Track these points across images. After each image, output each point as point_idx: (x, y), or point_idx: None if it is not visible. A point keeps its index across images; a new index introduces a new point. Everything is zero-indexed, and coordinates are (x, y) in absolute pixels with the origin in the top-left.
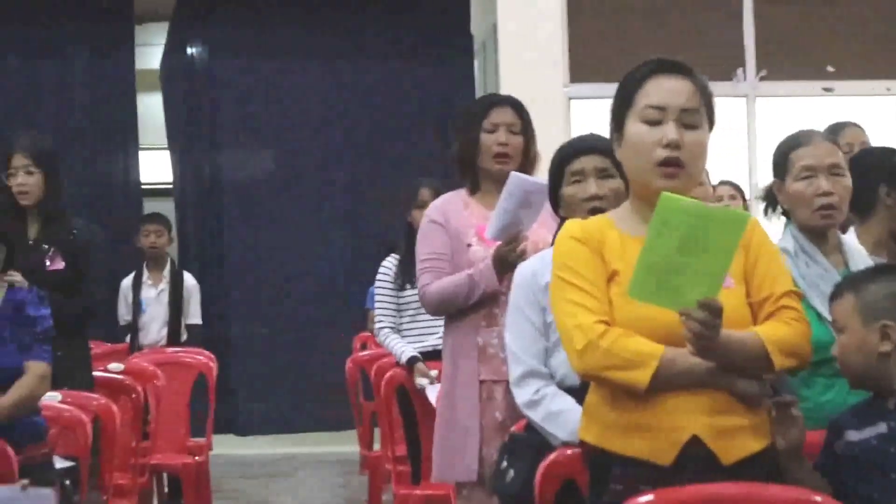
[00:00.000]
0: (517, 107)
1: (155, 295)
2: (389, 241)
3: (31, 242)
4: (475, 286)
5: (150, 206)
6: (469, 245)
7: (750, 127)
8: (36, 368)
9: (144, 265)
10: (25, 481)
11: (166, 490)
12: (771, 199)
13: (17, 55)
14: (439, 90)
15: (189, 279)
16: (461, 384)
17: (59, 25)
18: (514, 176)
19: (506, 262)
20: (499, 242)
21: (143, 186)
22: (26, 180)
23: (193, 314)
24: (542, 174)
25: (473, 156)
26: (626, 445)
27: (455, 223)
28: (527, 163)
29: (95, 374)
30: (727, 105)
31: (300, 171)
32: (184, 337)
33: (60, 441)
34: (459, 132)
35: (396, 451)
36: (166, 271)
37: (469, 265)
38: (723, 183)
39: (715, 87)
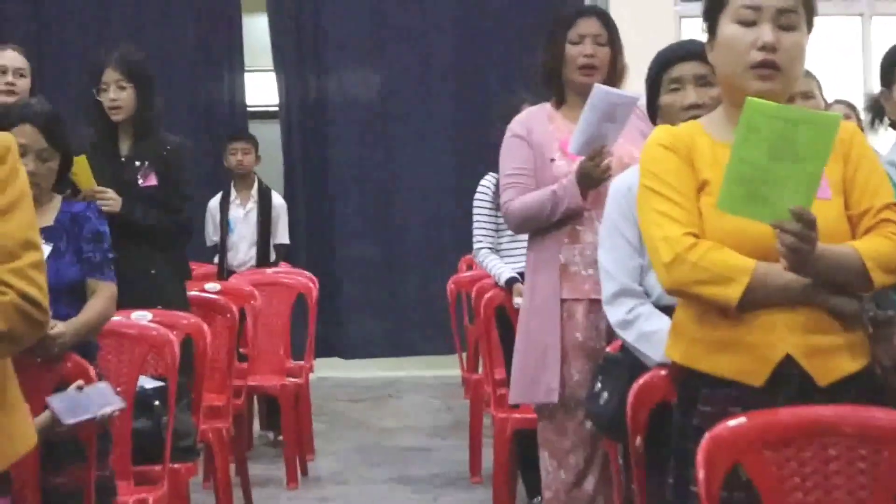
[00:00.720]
0: (604, 17)
1: (243, 215)
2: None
3: (123, 158)
4: (559, 202)
5: (255, 128)
6: (552, 160)
7: (865, 46)
8: (106, 289)
9: (232, 185)
10: (80, 382)
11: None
12: (877, 109)
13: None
14: (548, 5)
15: (277, 198)
16: (541, 303)
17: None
18: (598, 88)
19: (590, 178)
20: (582, 157)
21: (248, 108)
22: (118, 95)
23: (281, 234)
24: (626, 85)
25: (558, 68)
26: (715, 365)
27: (538, 137)
28: (614, 75)
29: (190, 293)
30: (842, 24)
31: (405, 91)
32: (272, 257)
33: (150, 360)
34: (545, 44)
35: (496, 374)
36: (254, 191)
37: (552, 180)
38: (837, 102)
39: (830, 5)
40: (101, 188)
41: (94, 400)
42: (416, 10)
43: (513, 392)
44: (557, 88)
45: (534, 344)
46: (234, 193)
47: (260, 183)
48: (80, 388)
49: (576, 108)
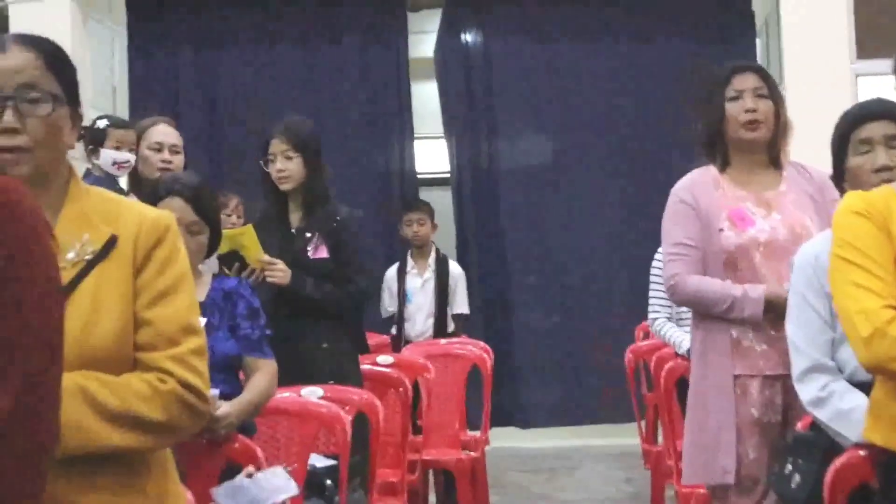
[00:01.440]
0: (761, 71)
1: (420, 284)
2: None
3: (293, 230)
4: (736, 308)
5: (425, 195)
6: (721, 230)
7: None
8: (267, 367)
9: (409, 254)
10: (251, 469)
11: (439, 487)
12: None
13: (292, 45)
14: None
15: (455, 267)
16: (713, 381)
17: (334, 14)
18: None
19: (779, 308)
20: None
21: (418, 176)
22: (284, 165)
23: (460, 303)
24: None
25: (720, 128)
26: None
27: (706, 205)
28: (778, 128)
29: (363, 367)
30: None
31: (579, 157)
32: (451, 327)
33: (322, 438)
34: (702, 105)
35: (678, 445)
36: (431, 259)
37: (720, 251)
38: None
39: None
40: (270, 259)
41: (263, 488)
42: (587, 73)
43: (686, 472)
44: (721, 150)
45: (707, 422)
46: (410, 263)
47: (437, 252)
48: (249, 475)
49: (742, 170)
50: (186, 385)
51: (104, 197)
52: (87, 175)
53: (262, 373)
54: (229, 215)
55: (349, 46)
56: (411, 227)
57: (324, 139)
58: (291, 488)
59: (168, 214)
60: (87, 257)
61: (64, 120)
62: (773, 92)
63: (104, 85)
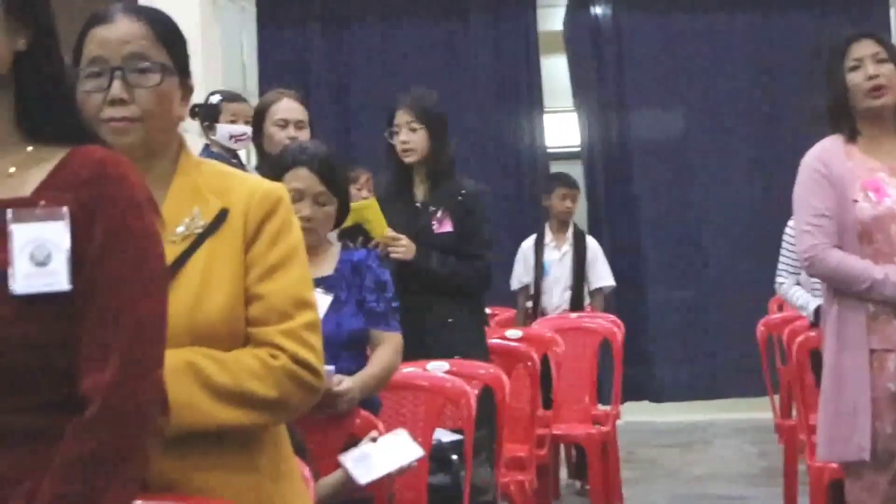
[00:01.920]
0: (875, 36)
1: (558, 258)
2: None
3: (417, 205)
4: (878, 288)
5: (556, 169)
6: (855, 201)
7: None
8: (392, 340)
9: (547, 226)
10: (374, 433)
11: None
12: None
13: (421, 21)
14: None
15: (592, 241)
16: (849, 356)
17: None
18: None
19: None
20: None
21: (548, 150)
22: (409, 137)
23: (604, 276)
24: None
25: (844, 100)
26: None
27: (838, 174)
28: None
29: (491, 341)
30: None
31: (710, 129)
32: (587, 301)
33: (448, 413)
34: (825, 80)
35: (811, 419)
36: (569, 233)
37: (854, 223)
38: None
39: None
40: (394, 234)
41: (389, 452)
42: (717, 45)
43: (821, 449)
44: (848, 123)
45: (842, 399)
46: (549, 235)
47: (575, 226)
48: (373, 439)
49: (872, 139)
50: (298, 360)
51: (215, 170)
52: (206, 150)
53: (386, 346)
54: (360, 189)
55: (478, 21)
56: (564, 202)
57: (453, 115)
58: (417, 450)
59: (279, 187)
60: (198, 231)
61: (173, 90)
62: (892, 55)
63: (234, 64)
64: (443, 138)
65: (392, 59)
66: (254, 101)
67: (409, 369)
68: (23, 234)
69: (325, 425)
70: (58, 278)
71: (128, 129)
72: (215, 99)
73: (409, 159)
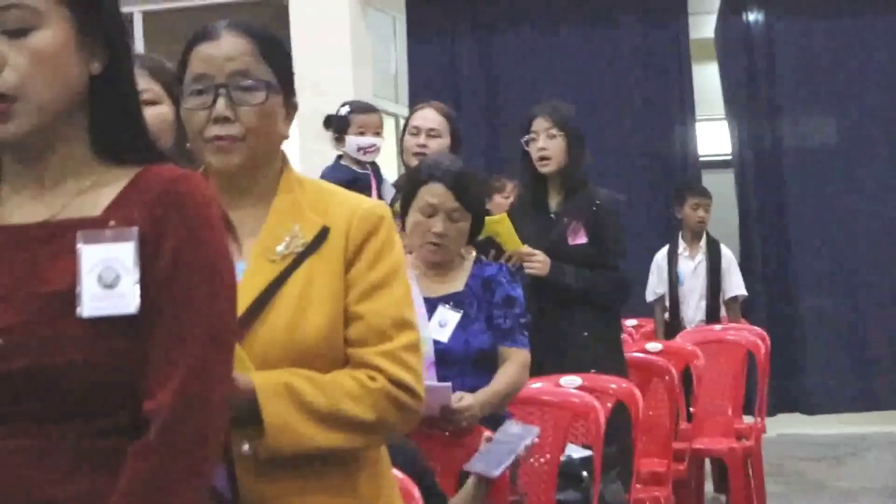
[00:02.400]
0: None
1: (692, 268)
2: None
3: (551, 215)
4: None
5: (707, 178)
6: None
7: None
8: (517, 355)
9: (680, 236)
10: (487, 433)
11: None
12: None
13: (571, 28)
14: None
15: (725, 250)
16: None
17: None
18: None
19: None
20: None
21: (700, 159)
22: (547, 144)
23: (736, 285)
24: None
25: None
26: None
27: None
28: None
29: (629, 354)
30: None
31: (864, 137)
32: (722, 311)
33: (581, 429)
34: None
35: None
36: (702, 242)
37: None
38: None
39: None
40: (529, 250)
41: (509, 440)
42: (872, 50)
43: None
44: None
45: None
46: (682, 245)
47: (707, 235)
48: (488, 439)
49: None
50: (397, 382)
51: (317, 187)
52: (337, 161)
53: (512, 362)
54: (506, 197)
55: (628, 29)
56: (697, 212)
57: (603, 123)
58: (533, 431)
59: (381, 205)
60: (298, 250)
61: (277, 109)
62: None
63: (385, 73)
64: (580, 148)
65: (541, 67)
66: (404, 110)
67: (538, 384)
68: (91, 256)
69: (447, 443)
70: (125, 301)
71: (231, 149)
72: (345, 110)
73: (545, 168)
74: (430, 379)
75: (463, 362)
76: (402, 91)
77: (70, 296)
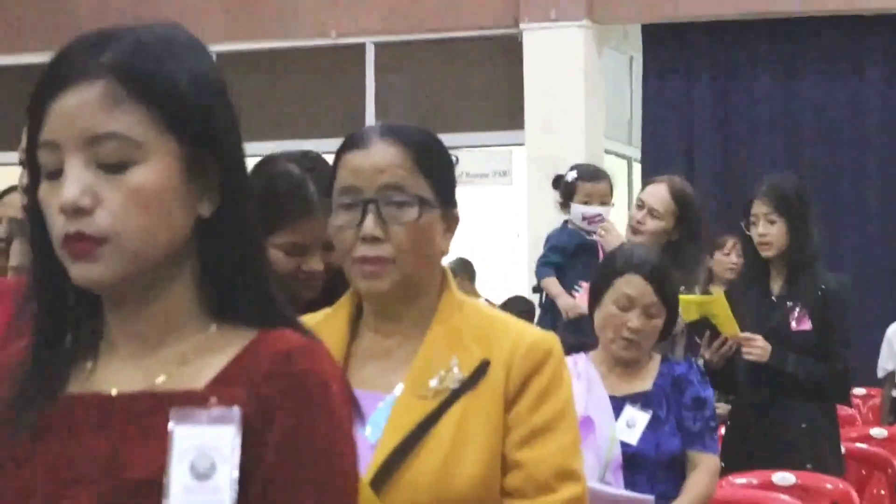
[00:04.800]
0: None
1: None
2: None
3: (773, 299)
4: None
5: None
6: None
7: None
8: (708, 462)
9: None
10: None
11: None
12: None
13: (814, 75)
14: None
15: None
16: None
17: (858, 44)
18: None
19: None
20: None
21: None
22: (767, 230)
23: None
24: None
25: None
26: None
27: None
28: None
29: (851, 444)
30: None
31: None
32: None
33: None
34: None
35: None
36: None
37: None
38: None
39: None
40: (747, 335)
41: None
42: None
43: None
44: None
45: None
46: None
47: None
48: None
49: None
50: None
51: (479, 312)
52: (564, 226)
53: (702, 470)
54: (727, 254)
55: (873, 78)
56: None
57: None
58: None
59: (550, 337)
60: (453, 386)
61: (434, 225)
62: None
63: (618, 113)
64: (804, 229)
65: (780, 115)
66: (636, 152)
67: (745, 480)
68: (185, 439)
69: None
70: (219, 497)
71: (380, 273)
72: (572, 175)
73: (766, 253)
74: (616, 483)
75: (653, 467)
76: (635, 132)
77: (156, 485)
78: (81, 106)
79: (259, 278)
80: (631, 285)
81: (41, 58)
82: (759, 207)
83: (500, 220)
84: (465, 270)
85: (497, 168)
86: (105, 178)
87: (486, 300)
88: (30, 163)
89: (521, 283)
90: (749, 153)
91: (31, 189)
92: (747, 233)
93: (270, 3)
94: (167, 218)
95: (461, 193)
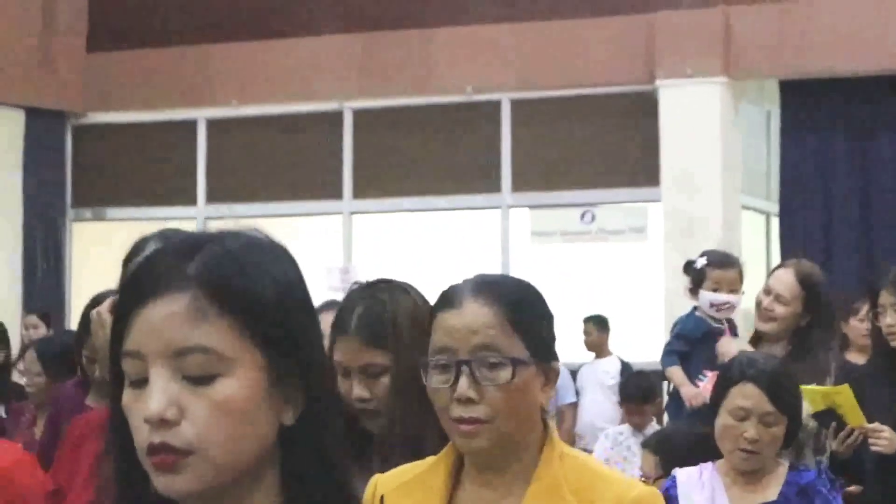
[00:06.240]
0: None
1: None
2: None
3: None
4: None
5: None
6: None
7: None
8: None
9: None
10: None
11: None
12: None
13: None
14: None
15: None
16: None
17: None
18: None
19: None
20: None
21: None
22: (895, 320)
23: None
24: None
25: None
26: None
27: None
28: None
29: None
30: None
31: None
32: None
33: None
34: None
35: None
36: None
37: None
38: None
39: None
40: (875, 425)
41: None
42: None
43: None
44: None
45: None
46: None
47: None
48: None
49: None
50: None
51: (581, 465)
52: (692, 312)
53: None
54: (861, 321)
55: None
56: None
57: None
58: None
59: (652, 492)
60: None
61: (530, 382)
62: None
63: (755, 169)
64: None
65: None
66: (774, 207)
67: None
68: None
69: None
70: None
71: (476, 433)
72: (701, 262)
73: (895, 343)
74: None
75: None
76: (772, 186)
77: None
78: (168, 318)
79: (340, 481)
80: (745, 395)
81: (176, 115)
82: (887, 298)
83: (636, 277)
84: (600, 326)
85: (633, 224)
86: (190, 390)
87: (619, 358)
88: (113, 370)
89: (657, 341)
90: (887, 217)
91: (113, 396)
92: (876, 324)
93: (406, 59)
94: (252, 429)
95: (597, 250)
